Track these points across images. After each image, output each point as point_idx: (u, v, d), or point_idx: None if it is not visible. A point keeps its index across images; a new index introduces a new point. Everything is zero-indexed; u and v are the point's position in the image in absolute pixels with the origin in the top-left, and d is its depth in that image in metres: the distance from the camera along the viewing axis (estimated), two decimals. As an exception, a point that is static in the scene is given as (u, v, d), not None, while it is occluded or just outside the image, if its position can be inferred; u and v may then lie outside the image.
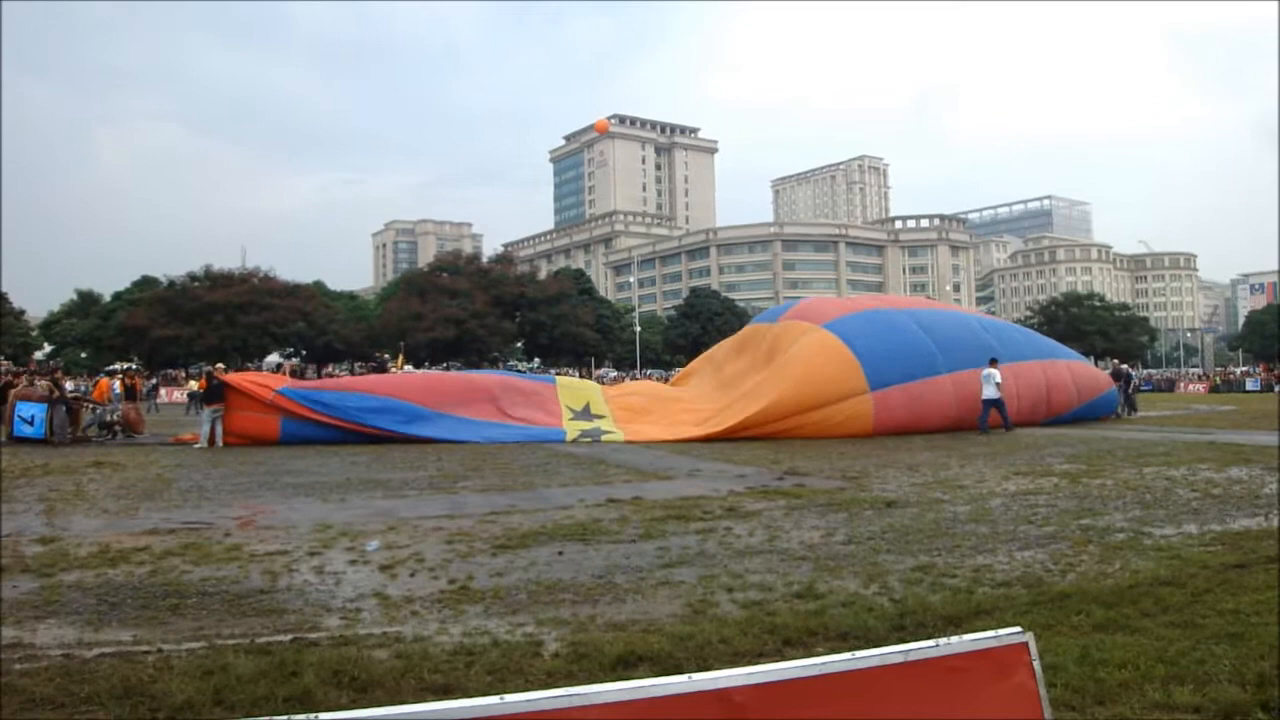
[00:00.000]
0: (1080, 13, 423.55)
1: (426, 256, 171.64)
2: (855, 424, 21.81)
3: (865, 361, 22.37)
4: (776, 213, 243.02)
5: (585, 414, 22.99)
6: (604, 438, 21.57)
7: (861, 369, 22.26)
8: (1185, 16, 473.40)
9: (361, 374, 61.59)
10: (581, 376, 53.85)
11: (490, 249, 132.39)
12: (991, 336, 25.59)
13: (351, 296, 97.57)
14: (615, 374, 75.16)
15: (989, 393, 22.65)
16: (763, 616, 5.94)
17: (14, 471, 15.21)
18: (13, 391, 23.12)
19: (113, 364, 67.04)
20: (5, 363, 59.92)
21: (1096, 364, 66.49)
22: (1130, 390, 32.48)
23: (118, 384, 30.05)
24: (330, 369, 76.76)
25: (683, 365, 66.40)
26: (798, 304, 29.24)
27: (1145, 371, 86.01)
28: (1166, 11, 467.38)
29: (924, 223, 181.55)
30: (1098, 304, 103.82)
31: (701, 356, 30.99)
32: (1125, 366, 42.80)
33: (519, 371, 53.50)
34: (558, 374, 54.54)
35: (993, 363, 22.91)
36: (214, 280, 74.26)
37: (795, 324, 25.19)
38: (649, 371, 79.11)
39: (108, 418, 24.10)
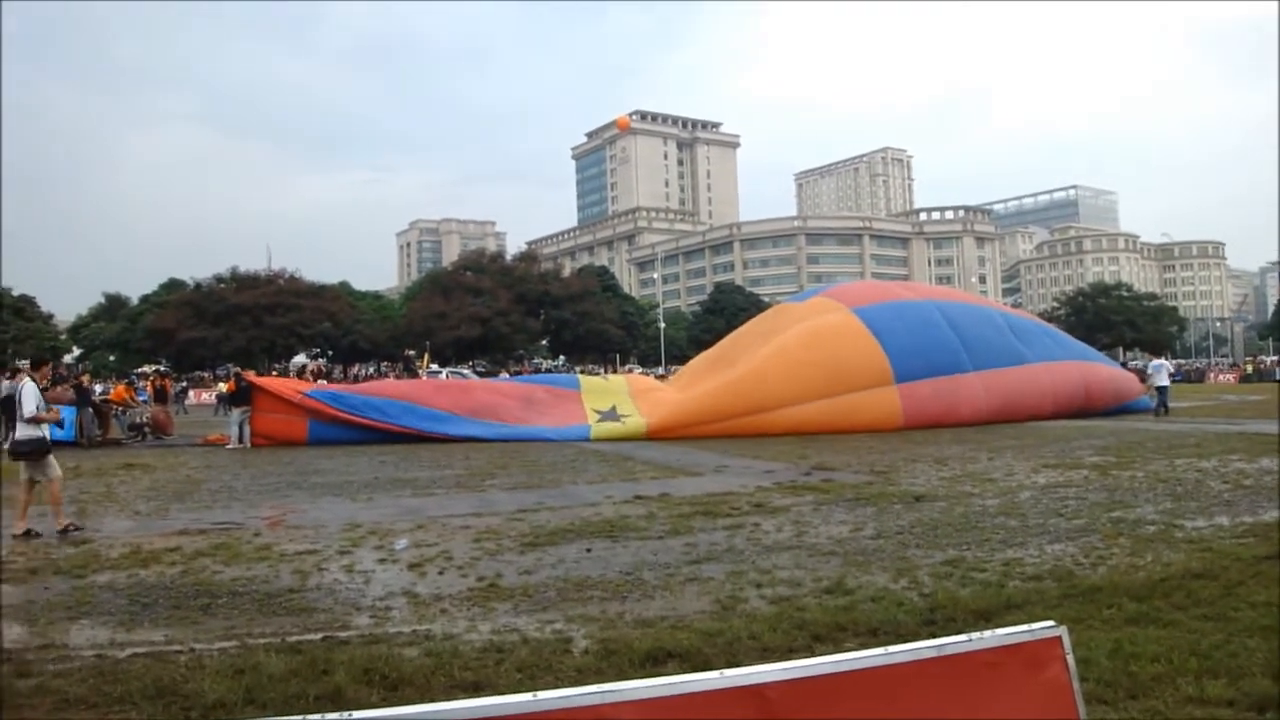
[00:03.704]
0: (1105, 3, 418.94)
1: (451, 255, 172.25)
2: (884, 415, 21.80)
3: (891, 353, 22.32)
4: (800, 206, 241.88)
5: (611, 415, 22.98)
6: (628, 424, 21.78)
7: (888, 359, 22.22)
8: (1211, 6, 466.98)
9: (389, 373, 61.98)
10: (608, 373, 53.69)
11: (514, 247, 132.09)
12: (1019, 338, 25.48)
13: (377, 296, 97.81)
14: (640, 370, 75.09)
15: (1161, 380, 26.92)
16: (792, 612, 5.93)
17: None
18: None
19: (141, 367, 67.63)
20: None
21: (1124, 355, 65.80)
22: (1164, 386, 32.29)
23: (147, 387, 30.32)
24: (356, 369, 77.13)
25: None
26: (829, 288, 29.49)
27: (1175, 361, 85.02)
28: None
29: (949, 214, 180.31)
30: (1125, 294, 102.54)
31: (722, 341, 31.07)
32: (1162, 360, 42.31)
33: (543, 373, 53.55)
34: (582, 371, 54.50)
35: (1159, 355, 25.61)
36: (240, 282, 74.77)
37: (822, 301, 25.18)
38: (673, 368, 79.02)
39: (136, 419, 24.34)
